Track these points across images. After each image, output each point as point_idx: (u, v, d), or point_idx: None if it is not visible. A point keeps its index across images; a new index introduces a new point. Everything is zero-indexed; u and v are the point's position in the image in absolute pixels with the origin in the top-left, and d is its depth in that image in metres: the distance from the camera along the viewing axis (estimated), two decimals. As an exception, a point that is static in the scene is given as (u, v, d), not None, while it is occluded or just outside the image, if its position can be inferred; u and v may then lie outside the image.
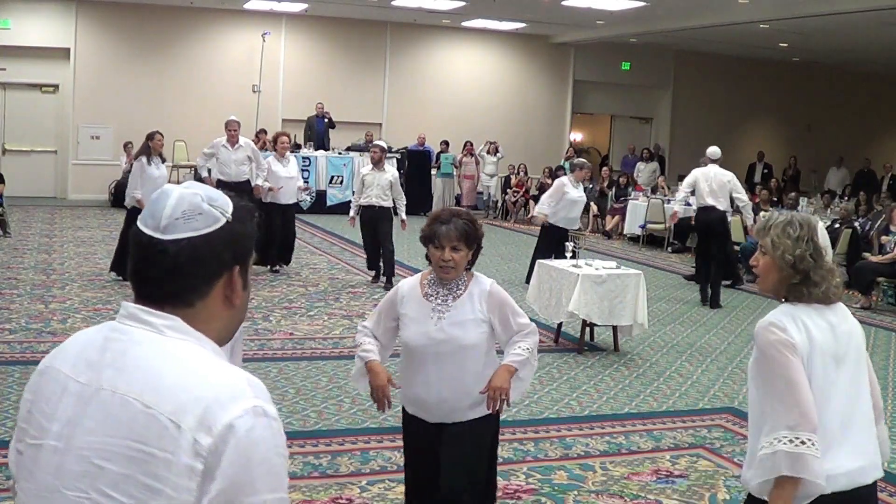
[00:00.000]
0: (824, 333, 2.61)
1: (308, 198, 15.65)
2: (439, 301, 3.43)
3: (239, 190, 9.72)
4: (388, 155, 17.55)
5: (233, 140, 10.34)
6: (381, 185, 9.89)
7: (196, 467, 1.26)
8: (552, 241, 9.65)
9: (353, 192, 10.87)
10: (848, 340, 2.66)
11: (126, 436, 1.30)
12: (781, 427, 2.45)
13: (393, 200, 9.98)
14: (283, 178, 10.60)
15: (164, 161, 9.83)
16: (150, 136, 9.68)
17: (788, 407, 2.47)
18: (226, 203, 1.44)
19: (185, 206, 1.40)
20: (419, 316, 3.43)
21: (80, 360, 1.41)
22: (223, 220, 1.42)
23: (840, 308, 2.69)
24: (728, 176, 10.16)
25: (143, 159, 9.48)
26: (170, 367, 1.34)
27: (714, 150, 10.39)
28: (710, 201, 10.04)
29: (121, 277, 9.28)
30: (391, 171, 10.13)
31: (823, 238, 2.67)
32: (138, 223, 1.43)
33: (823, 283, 2.63)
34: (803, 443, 2.43)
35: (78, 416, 1.35)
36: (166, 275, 1.39)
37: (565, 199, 9.93)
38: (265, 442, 1.31)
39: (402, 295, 3.52)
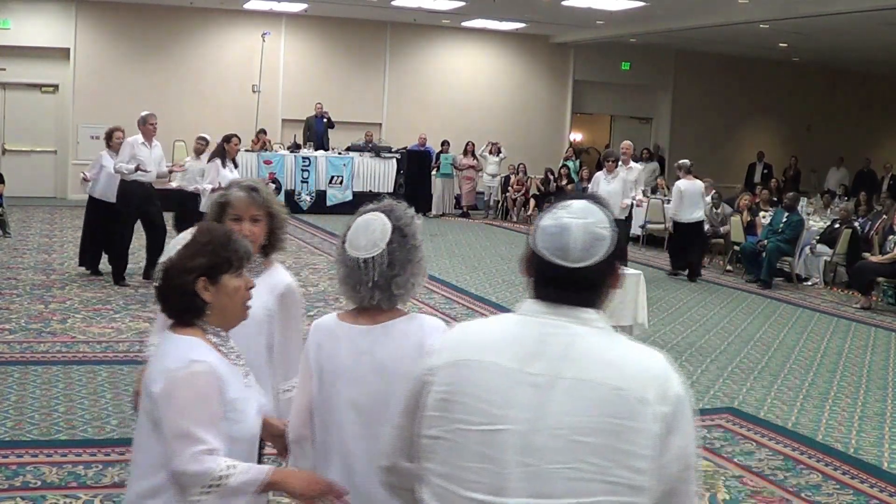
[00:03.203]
0: None
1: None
2: None
3: (151, 192, 9.45)
4: (387, 155, 17.79)
5: (151, 136, 9.49)
6: (193, 172, 10.42)
7: (658, 430, 1.61)
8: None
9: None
10: None
11: (601, 413, 1.60)
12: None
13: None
14: (114, 175, 9.60)
15: (236, 166, 9.53)
16: (227, 139, 9.34)
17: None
18: (607, 217, 1.72)
19: (588, 239, 1.69)
20: None
21: (520, 353, 1.66)
22: (611, 236, 1.71)
23: None
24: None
25: (218, 162, 9.21)
26: (617, 354, 1.67)
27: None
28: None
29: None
30: (205, 160, 10.29)
31: None
32: (542, 250, 1.70)
33: None
34: None
35: (541, 402, 1.62)
36: (581, 290, 1.70)
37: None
38: (691, 403, 1.70)
39: None
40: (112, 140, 9.75)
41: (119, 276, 9.36)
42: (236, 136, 9.45)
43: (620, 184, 10.71)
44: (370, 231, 2.33)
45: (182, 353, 2.12)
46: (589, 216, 1.70)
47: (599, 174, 11.31)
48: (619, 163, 10.94)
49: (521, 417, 1.62)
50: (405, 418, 1.80)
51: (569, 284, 1.69)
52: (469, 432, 1.65)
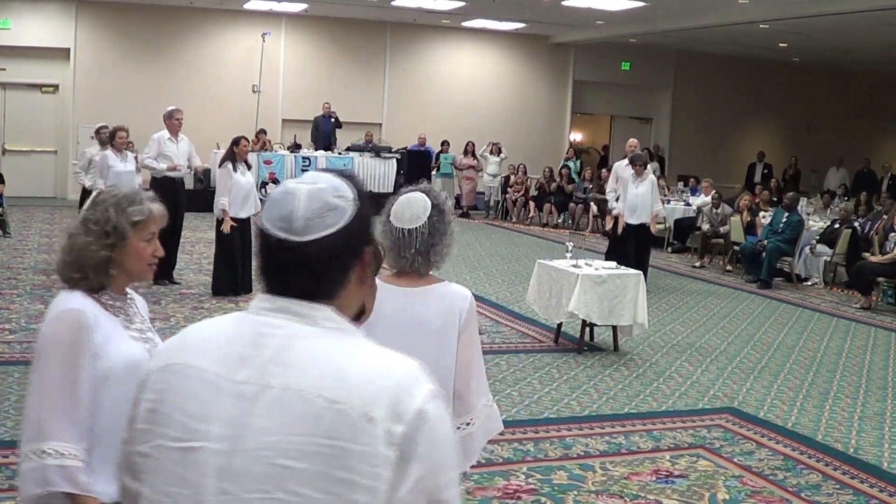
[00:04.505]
0: None
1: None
2: None
3: (180, 188, 9.53)
4: (387, 155, 17.79)
5: (177, 131, 9.53)
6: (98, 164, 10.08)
7: (390, 455, 1.28)
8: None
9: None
10: None
11: (313, 433, 1.29)
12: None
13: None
14: (122, 174, 9.47)
15: (249, 168, 9.20)
16: (236, 142, 9.05)
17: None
18: (348, 188, 1.44)
19: (316, 205, 1.40)
20: None
21: (228, 357, 1.37)
22: (352, 209, 1.42)
23: None
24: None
25: (229, 165, 8.90)
26: (343, 360, 1.35)
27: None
28: None
29: (230, 294, 8.97)
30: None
31: None
32: (265, 224, 1.41)
33: None
34: None
35: (243, 416, 1.33)
36: (310, 275, 1.39)
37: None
38: (445, 421, 1.36)
39: None
40: (115, 140, 9.66)
41: (169, 275, 9.33)
42: (244, 137, 9.25)
43: (649, 186, 10.54)
44: (413, 206, 2.68)
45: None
46: (321, 182, 1.42)
47: (627, 177, 10.69)
48: (648, 166, 10.83)
49: (220, 434, 1.33)
50: (128, 431, 1.46)
51: (296, 269, 1.39)
52: (167, 450, 1.36)
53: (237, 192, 8.92)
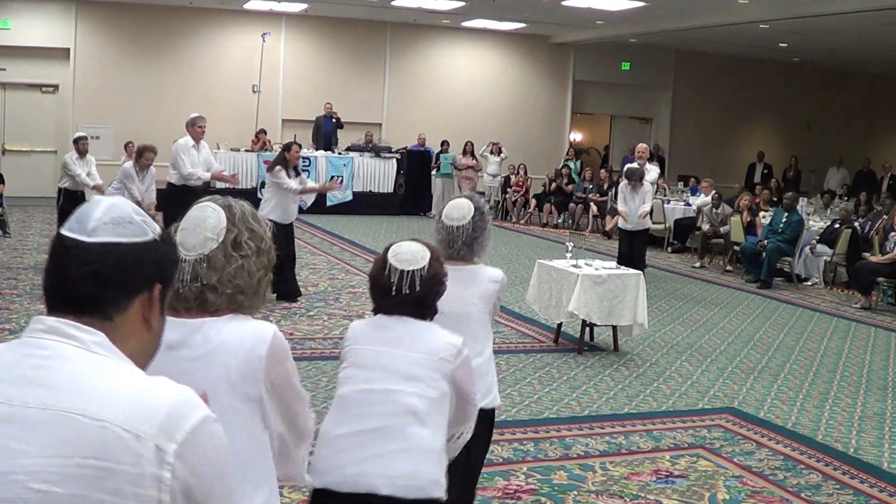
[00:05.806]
0: None
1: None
2: None
3: (198, 195, 9.38)
4: (387, 155, 17.79)
5: (199, 138, 9.50)
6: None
7: (163, 476, 1.22)
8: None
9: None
10: None
11: (73, 454, 1.20)
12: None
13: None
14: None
15: (297, 174, 8.99)
16: (287, 147, 8.95)
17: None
18: (154, 223, 1.42)
19: (115, 213, 1.36)
20: None
21: None
22: (151, 236, 1.39)
23: None
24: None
25: (283, 170, 8.76)
26: (111, 381, 1.27)
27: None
28: None
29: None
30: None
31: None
32: (63, 230, 1.36)
33: None
34: None
35: None
36: (87, 278, 1.32)
37: None
38: (224, 445, 1.33)
39: None
40: (142, 159, 9.67)
41: None
42: (296, 143, 9.14)
43: (641, 199, 10.72)
44: (461, 209, 3.47)
45: (456, 338, 2.79)
46: (131, 203, 1.42)
47: (624, 186, 10.93)
48: (644, 179, 10.88)
49: None
50: None
51: (77, 272, 1.31)
52: None
53: (282, 196, 8.79)
